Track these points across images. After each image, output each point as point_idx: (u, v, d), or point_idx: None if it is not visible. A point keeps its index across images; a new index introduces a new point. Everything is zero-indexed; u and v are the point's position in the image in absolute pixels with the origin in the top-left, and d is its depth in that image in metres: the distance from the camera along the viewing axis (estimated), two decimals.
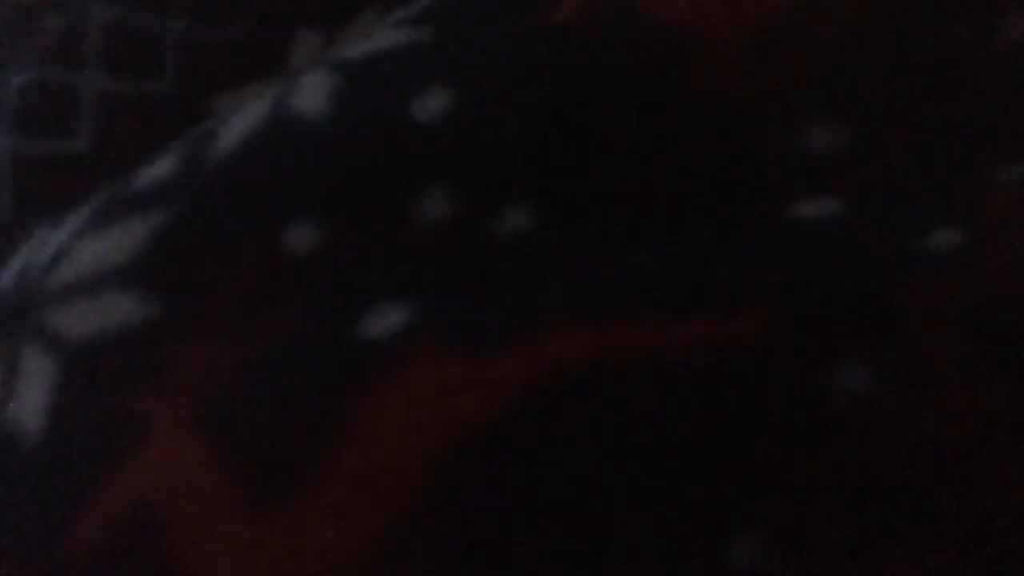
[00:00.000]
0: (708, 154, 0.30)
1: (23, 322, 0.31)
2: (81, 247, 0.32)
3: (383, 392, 0.28)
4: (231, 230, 0.30)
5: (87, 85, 0.37)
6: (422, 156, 0.30)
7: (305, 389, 0.28)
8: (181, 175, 0.31)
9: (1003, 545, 0.25)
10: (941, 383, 0.26)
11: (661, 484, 0.26)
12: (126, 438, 0.29)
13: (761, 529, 0.26)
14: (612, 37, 0.31)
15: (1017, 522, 0.25)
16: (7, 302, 0.32)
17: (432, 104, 0.31)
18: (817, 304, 0.27)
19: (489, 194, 0.30)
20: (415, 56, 0.32)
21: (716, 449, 0.26)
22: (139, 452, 0.29)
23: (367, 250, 0.30)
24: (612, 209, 0.30)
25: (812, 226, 0.28)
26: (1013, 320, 0.26)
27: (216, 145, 0.32)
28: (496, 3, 0.33)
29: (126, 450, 0.29)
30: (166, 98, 0.36)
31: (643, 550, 0.26)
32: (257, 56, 0.36)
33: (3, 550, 0.29)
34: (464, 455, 0.27)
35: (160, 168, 0.32)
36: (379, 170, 0.30)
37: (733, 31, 0.31)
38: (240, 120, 0.32)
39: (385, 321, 0.29)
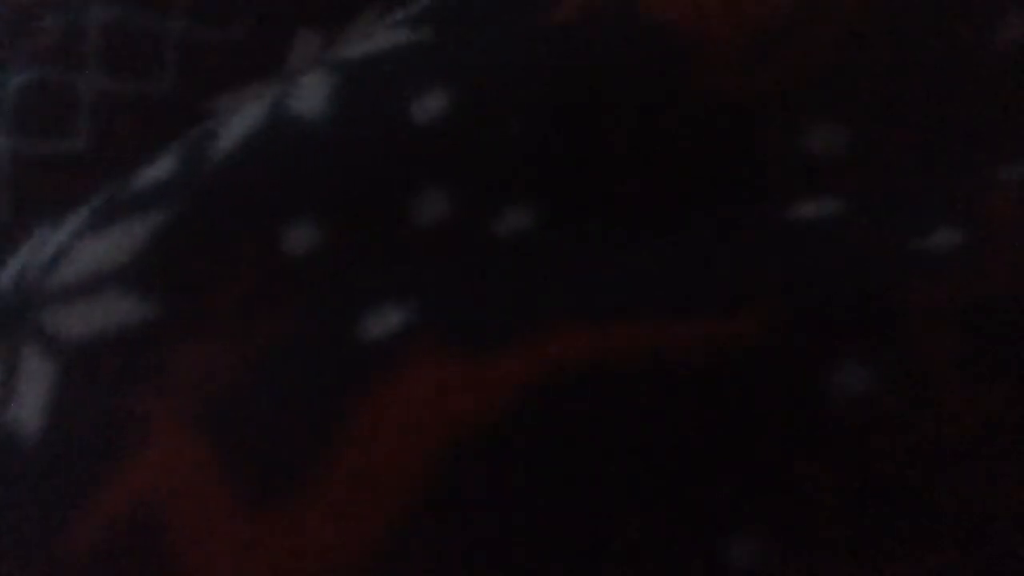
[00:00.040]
0: (708, 154, 0.30)
1: (22, 323, 0.31)
2: (81, 247, 0.32)
3: (383, 392, 0.28)
4: (231, 230, 0.30)
5: (86, 85, 0.37)
6: (421, 156, 0.30)
7: (305, 389, 0.28)
8: (181, 176, 0.31)
9: (1003, 545, 0.25)
10: (941, 383, 0.26)
11: (661, 484, 0.26)
12: (126, 438, 0.29)
13: (761, 529, 0.26)
14: (612, 37, 0.31)
15: (1017, 522, 0.25)
16: (6, 302, 0.32)
17: (431, 104, 0.31)
18: (817, 304, 0.27)
19: (489, 194, 0.30)
20: (414, 57, 0.32)
21: (716, 449, 0.26)
22: (139, 452, 0.29)
23: (367, 250, 0.30)
24: (612, 209, 0.30)
25: (812, 226, 0.28)
26: (1013, 320, 0.26)
27: (215, 145, 0.32)
28: (496, 3, 0.33)
29: (126, 450, 0.29)
30: (166, 98, 0.36)
31: (643, 550, 0.26)
32: (257, 56, 0.36)
33: (3, 550, 0.29)
34: (464, 455, 0.27)
35: (159, 169, 0.32)
36: (378, 170, 0.30)
37: (733, 31, 0.31)
38: (239, 121, 0.32)
39: (385, 321, 0.29)
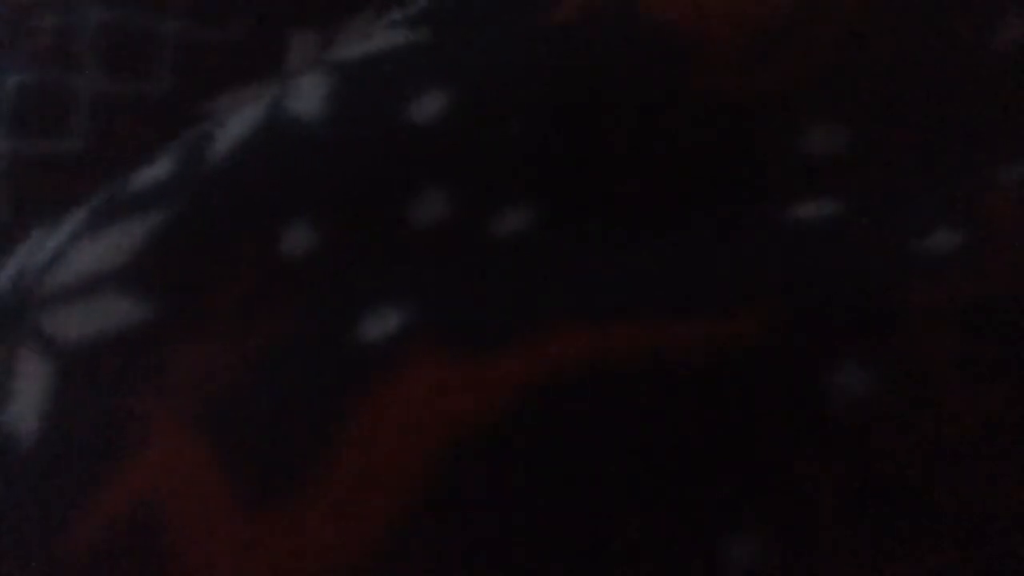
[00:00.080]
0: (708, 154, 0.30)
1: (20, 325, 0.31)
2: (78, 249, 0.31)
3: (383, 392, 0.28)
4: (230, 230, 0.30)
5: (84, 85, 0.37)
6: (420, 157, 0.30)
7: (305, 389, 0.28)
8: (178, 177, 0.31)
9: (1003, 545, 0.25)
10: (941, 383, 0.26)
11: (661, 484, 0.26)
12: (126, 438, 0.29)
13: (761, 529, 0.26)
14: (612, 37, 0.31)
15: (1017, 522, 0.25)
16: (4, 304, 0.32)
17: (430, 105, 0.31)
18: (817, 304, 0.27)
19: (487, 195, 0.30)
20: (413, 57, 0.32)
21: (716, 449, 0.26)
22: (139, 452, 0.29)
23: (366, 251, 0.30)
24: (612, 209, 0.30)
25: (812, 226, 0.28)
26: (1013, 320, 0.26)
27: (213, 147, 0.32)
28: (495, 3, 0.33)
29: (126, 450, 0.29)
30: (163, 98, 0.36)
31: (643, 550, 0.26)
32: (255, 56, 0.36)
33: (3, 550, 0.29)
34: (464, 455, 0.27)
35: (157, 170, 0.32)
36: (377, 171, 0.30)
37: (733, 31, 0.31)
38: (237, 122, 0.32)
39: (384, 322, 0.29)
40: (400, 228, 0.30)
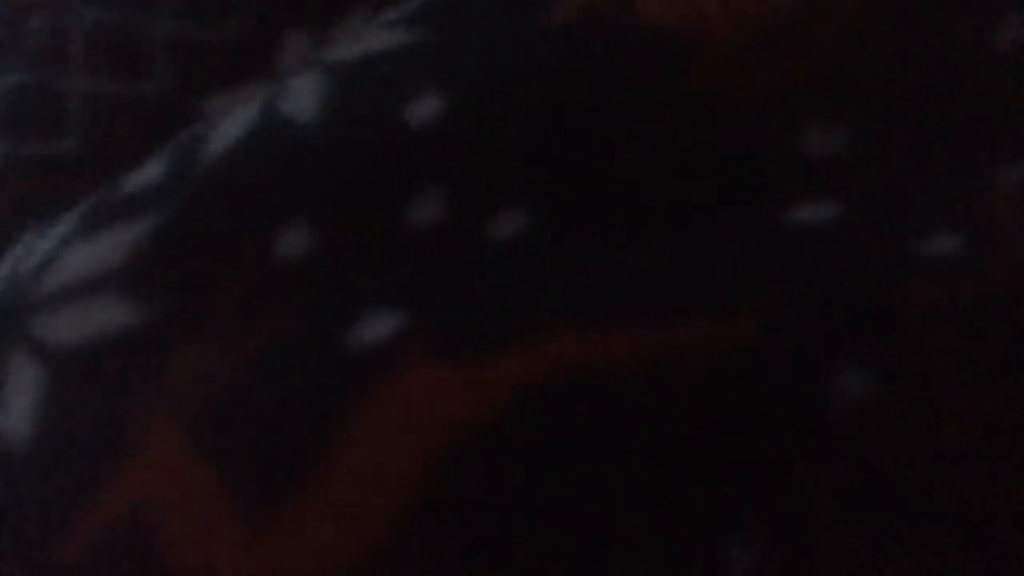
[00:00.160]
0: (707, 154, 0.30)
1: (11, 330, 0.31)
2: (70, 253, 0.31)
3: (383, 392, 0.28)
4: (228, 231, 0.30)
5: (76, 86, 0.37)
6: (417, 158, 0.30)
7: (305, 389, 0.28)
8: (171, 180, 0.31)
9: (1003, 545, 0.25)
10: (941, 383, 0.26)
11: (661, 484, 0.26)
12: (125, 439, 0.29)
13: (761, 529, 0.26)
14: (611, 37, 0.31)
15: (1017, 522, 0.25)
16: None
17: (427, 107, 0.31)
18: (817, 304, 0.27)
19: (486, 196, 0.30)
20: (409, 58, 0.32)
21: (716, 449, 0.26)
22: (139, 452, 0.28)
23: (364, 252, 0.30)
24: (611, 210, 0.29)
25: (811, 227, 0.28)
26: (1013, 320, 0.26)
27: (206, 149, 0.32)
28: (493, 3, 0.33)
29: (126, 451, 0.29)
30: (156, 99, 0.36)
31: (643, 550, 0.26)
32: (248, 56, 0.36)
33: (3, 550, 0.29)
34: (464, 455, 0.27)
35: (149, 173, 0.32)
36: (374, 172, 0.30)
37: (733, 31, 0.31)
38: (230, 124, 0.32)
39: (384, 323, 0.29)
40: (398, 229, 0.30)
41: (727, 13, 0.31)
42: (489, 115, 0.31)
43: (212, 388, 0.29)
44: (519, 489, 0.26)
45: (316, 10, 0.36)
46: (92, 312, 0.30)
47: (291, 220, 0.30)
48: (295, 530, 0.27)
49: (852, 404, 0.26)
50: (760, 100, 0.30)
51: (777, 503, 0.26)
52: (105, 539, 0.28)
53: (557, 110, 0.30)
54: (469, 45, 0.32)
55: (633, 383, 0.27)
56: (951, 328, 0.26)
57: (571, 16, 0.31)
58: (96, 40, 0.37)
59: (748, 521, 0.26)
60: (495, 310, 0.28)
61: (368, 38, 0.33)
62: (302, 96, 0.32)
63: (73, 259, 0.31)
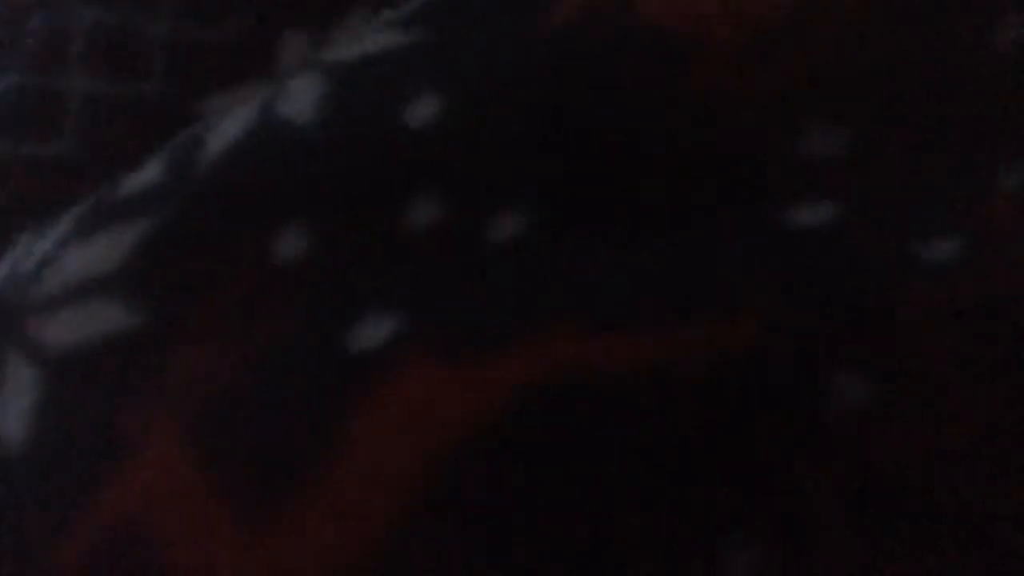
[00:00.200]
0: (707, 155, 0.30)
1: (8, 332, 0.31)
2: (67, 255, 0.31)
3: (383, 393, 0.28)
4: (228, 231, 0.30)
5: (75, 87, 0.37)
6: (416, 160, 0.30)
7: (305, 389, 0.28)
8: (169, 181, 0.31)
9: (1003, 545, 0.25)
10: (941, 383, 0.26)
11: (661, 484, 0.26)
12: (121, 443, 0.29)
13: (761, 529, 0.26)
14: (611, 38, 0.31)
15: (1017, 522, 0.25)
16: None
17: (426, 108, 0.31)
18: (817, 304, 0.27)
19: (484, 197, 0.30)
20: (408, 59, 0.32)
21: (716, 449, 0.26)
22: (139, 452, 0.28)
23: (363, 254, 0.30)
24: (611, 210, 0.29)
25: (811, 227, 0.28)
26: (1013, 320, 0.26)
27: (204, 150, 0.32)
28: (492, 4, 0.33)
29: (126, 451, 0.29)
30: (157, 99, 0.36)
31: (643, 550, 0.26)
32: (246, 56, 0.36)
33: (3, 550, 0.29)
34: (464, 455, 0.27)
35: (148, 174, 0.32)
36: (373, 174, 0.30)
37: (733, 31, 0.31)
38: (228, 125, 0.32)
39: (384, 324, 0.29)
40: (398, 230, 0.30)
41: (727, 13, 0.31)
42: (488, 115, 0.31)
43: (212, 388, 0.29)
44: (519, 489, 0.26)
45: (316, 10, 0.36)
46: (91, 313, 0.30)
47: (290, 221, 0.30)
48: (295, 530, 0.27)
49: (852, 404, 0.26)
50: (760, 100, 0.30)
51: (777, 503, 0.26)
52: (105, 539, 0.28)
53: (557, 110, 0.30)
54: (468, 45, 0.32)
55: (633, 383, 0.27)
56: (951, 328, 0.26)
57: (571, 16, 0.31)
58: (96, 40, 0.37)
59: (748, 521, 0.26)
60: (495, 310, 0.28)
61: (367, 39, 0.33)
62: (301, 97, 0.32)
63: (72, 260, 0.31)
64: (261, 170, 0.31)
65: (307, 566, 0.27)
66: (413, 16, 0.33)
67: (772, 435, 0.26)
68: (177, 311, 0.30)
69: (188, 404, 0.29)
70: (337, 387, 0.28)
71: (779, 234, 0.28)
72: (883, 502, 0.25)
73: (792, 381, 0.26)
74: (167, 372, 0.29)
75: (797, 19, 0.31)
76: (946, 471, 0.25)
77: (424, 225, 0.30)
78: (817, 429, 0.26)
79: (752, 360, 0.27)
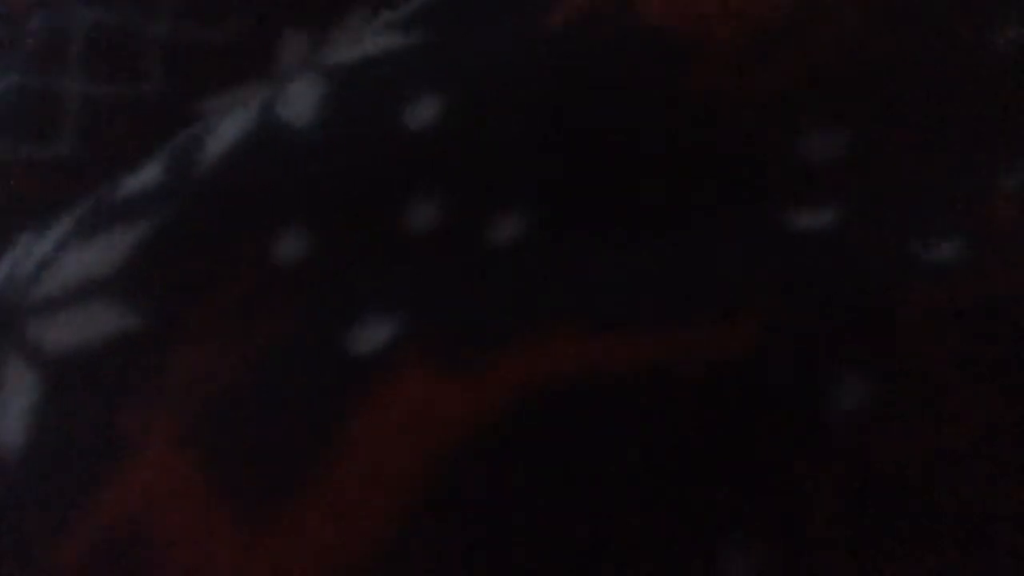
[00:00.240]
0: (707, 155, 0.30)
1: (7, 334, 0.31)
2: (66, 257, 0.31)
3: (383, 393, 0.28)
4: (228, 232, 0.30)
5: (75, 87, 0.37)
6: (416, 162, 0.30)
7: (305, 389, 0.28)
8: (168, 183, 0.31)
9: (1003, 545, 0.25)
10: (941, 383, 0.26)
11: (661, 484, 0.26)
12: (121, 442, 0.29)
13: (761, 529, 0.26)
14: (611, 38, 0.31)
15: (1017, 522, 0.25)
16: None
17: (425, 110, 0.31)
18: (817, 305, 0.27)
19: (484, 198, 0.30)
20: (408, 61, 0.32)
21: (716, 449, 0.26)
22: (139, 452, 0.28)
23: (363, 255, 0.30)
24: (611, 210, 0.29)
25: (811, 227, 0.28)
26: (1013, 321, 0.26)
27: (204, 152, 0.32)
28: (492, 5, 0.33)
29: (126, 451, 0.29)
30: (155, 100, 0.36)
31: (643, 550, 0.26)
32: (247, 57, 0.36)
33: (3, 550, 0.29)
34: (464, 455, 0.27)
35: (146, 176, 0.32)
36: (373, 176, 0.30)
37: (733, 32, 0.31)
38: (228, 126, 0.32)
39: (383, 324, 0.29)
40: (397, 231, 0.30)
41: (727, 13, 0.31)
42: (488, 116, 0.30)
43: (212, 388, 0.29)
44: (519, 489, 0.26)
45: (316, 10, 0.36)
46: (91, 315, 0.30)
47: (290, 222, 0.30)
48: (295, 530, 0.27)
49: (852, 404, 0.26)
50: (760, 100, 0.30)
51: (777, 503, 0.26)
52: (105, 539, 0.28)
53: (557, 110, 0.30)
54: (468, 46, 0.32)
55: (633, 384, 0.27)
56: (951, 329, 0.26)
57: (571, 17, 0.31)
58: (95, 41, 0.37)
59: (748, 521, 0.26)
60: (494, 310, 0.28)
61: (366, 41, 0.33)
62: (301, 98, 0.32)
63: (71, 261, 0.31)
64: (261, 171, 0.31)
65: (307, 566, 0.27)
66: (413, 17, 0.33)
67: (772, 435, 0.26)
68: (177, 311, 0.30)
69: (188, 404, 0.29)
70: (337, 387, 0.28)
71: (779, 234, 0.28)
72: (883, 502, 0.25)
73: (792, 381, 0.26)
74: (167, 372, 0.29)
75: (797, 19, 0.31)
76: (946, 471, 0.25)
77: (424, 226, 0.30)
78: (817, 429, 0.26)
79: (752, 360, 0.27)
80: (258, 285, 0.30)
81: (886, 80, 0.30)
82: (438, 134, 0.30)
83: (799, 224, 0.28)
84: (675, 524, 0.26)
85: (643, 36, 0.31)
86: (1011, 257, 0.27)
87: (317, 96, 0.32)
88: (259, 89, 0.36)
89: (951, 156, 0.29)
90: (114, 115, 0.36)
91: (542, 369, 0.27)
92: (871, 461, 0.26)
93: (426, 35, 0.32)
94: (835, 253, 0.28)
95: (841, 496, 0.26)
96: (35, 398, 0.30)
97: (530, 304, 0.28)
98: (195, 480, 0.28)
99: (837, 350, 0.26)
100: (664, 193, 0.29)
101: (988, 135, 0.29)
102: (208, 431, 0.28)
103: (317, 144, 0.31)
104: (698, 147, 0.30)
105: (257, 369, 0.29)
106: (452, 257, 0.29)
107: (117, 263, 0.31)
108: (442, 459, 0.27)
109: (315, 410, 0.28)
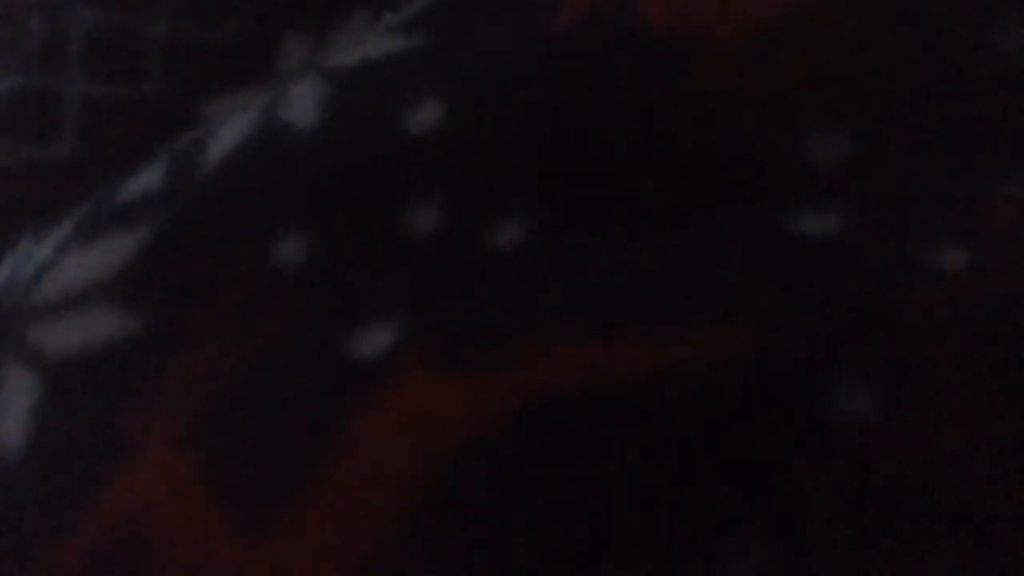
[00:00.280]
0: (708, 156, 0.30)
1: (7, 337, 0.31)
2: (67, 261, 0.31)
3: (383, 394, 0.28)
4: (228, 235, 0.30)
5: (75, 88, 0.37)
6: (416, 165, 0.30)
7: (305, 390, 0.28)
8: (170, 186, 0.31)
9: (1003, 545, 0.25)
10: (941, 384, 0.26)
11: (661, 484, 0.26)
12: (121, 443, 0.29)
13: (761, 529, 0.26)
14: (611, 38, 0.31)
15: (1017, 522, 0.25)
16: None
17: (427, 113, 0.31)
18: (817, 305, 0.27)
19: (485, 201, 0.30)
20: (409, 64, 0.32)
21: (716, 450, 0.26)
22: (139, 453, 0.28)
23: (364, 258, 0.30)
24: (611, 210, 0.30)
25: (812, 228, 0.28)
26: (1014, 321, 0.26)
27: (205, 155, 0.32)
28: (493, 7, 0.33)
29: (126, 451, 0.29)
30: (155, 101, 0.36)
31: (643, 550, 0.26)
32: (247, 58, 0.36)
33: (3, 550, 0.29)
34: (464, 455, 0.27)
35: (147, 179, 0.32)
36: (374, 179, 0.30)
37: (733, 32, 0.31)
38: (229, 129, 0.32)
39: (383, 327, 0.29)
40: (398, 234, 0.30)
41: (727, 13, 0.31)
42: (489, 118, 0.31)
43: (212, 389, 0.29)
44: (519, 489, 0.26)
45: (316, 11, 0.36)
46: (91, 320, 0.30)
47: (291, 224, 0.30)
48: (295, 530, 0.27)
49: (852, 405, 0.26)
50: (760, 101, 0.30)
51: (777, 503, 0.26)
52: (105, 539, 0.28)
53: (557, 111, 0.30)
54: (469, 49, 0.32)
55: (633, 384, 0.27)
56: (952, 329, 0.26)
57: (571, 18, 0.31)
58: (95, 41, 0.37)
59: (748, 521, 0.26)
60: (495, 312, 0.28)
61: (367, 43, 0.33)
62: (302, 101, 0.32)
63: (72, 265, 0.31)
64: (262, 174, 0.31)
65: (307, 566, 0.27)
66: (414, 20, 0.33)
67: (772, 436, 0.26)
68: (177, 314, 0.30)
69: (188, 405, 0.29)
70: (337, 388, 0.28)
71: (779, 235, 0.28)
72: (883, 502, 0.25)
73: (792, 382, 0.26)
74: (167, 373, 0.29)
75: (797, 19, 0.31)
76: (946, 471, 0.25)
77: (424, 228, 0.30)
78: (817, 430, 0.26)
79: (752, 361, 0.27)
80: (258, 288, 0.30)
81: (886, 80, 0.30)
82: (439, 136, 0.30)
83: (799, 224, 0.28)
84: (675, 524, 0.26)
85: (643, 37, 0.31)
86: (1011, 258, 0.27)
87: (318, 99, 0.32)
88: (260, 90, 0.36)
89: (952, 157, 0.29)
90: (114, 115, 0.36)
91: (542, 369, 0.27)
92: (871, 461, 0.26)
93: (427, 37, 0.32)
94: (835, 253, 0.28)
95: (841, 496, 0.26)
96: (35, 399, 0.30)
97: (530, 305, 0.28)
98: (195, 480, 0.28)
99: (837, 351, 0.26)
100: (664, 194, 0.29)
101: (989, 136, 0.29)
102: (208, 431, 0.28)
103: (318, 146, 0.31)
104: (698, 148, 0.30)
105: (257, 369, 0.29)
106: (453, 258, 0.29)
107: (118, 267, 0.31)
108: (442, 459, 0.27)
109: (315, 410, 0.28)
